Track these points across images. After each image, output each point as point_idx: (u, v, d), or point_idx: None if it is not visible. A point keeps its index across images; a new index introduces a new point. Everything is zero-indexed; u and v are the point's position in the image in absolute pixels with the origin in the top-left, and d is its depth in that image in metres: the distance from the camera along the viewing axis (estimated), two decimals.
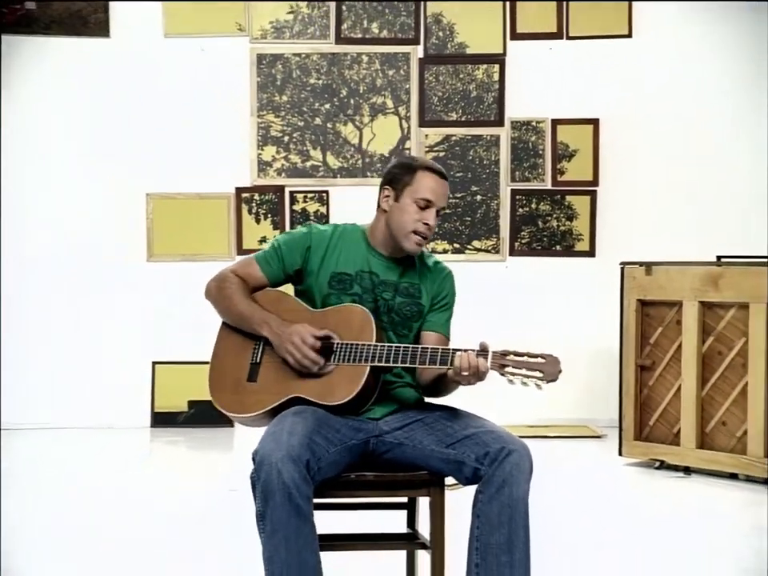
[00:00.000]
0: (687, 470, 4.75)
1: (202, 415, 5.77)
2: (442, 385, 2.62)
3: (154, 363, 5.93)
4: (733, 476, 4.62)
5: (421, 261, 2.76)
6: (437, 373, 2.60)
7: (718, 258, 4.78)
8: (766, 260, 4.61)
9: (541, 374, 2.39)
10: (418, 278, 2.72)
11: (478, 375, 2.38)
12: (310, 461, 2.31)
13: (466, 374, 2.38)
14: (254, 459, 2.32)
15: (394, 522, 2.92)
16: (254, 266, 2.68)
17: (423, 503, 2.70)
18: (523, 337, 5.75)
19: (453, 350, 2.47)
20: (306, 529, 2.30)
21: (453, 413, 2.59)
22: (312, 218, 6.00)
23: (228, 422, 5.53)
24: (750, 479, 4.56)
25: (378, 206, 2.68)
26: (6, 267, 5.86)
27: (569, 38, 5.99)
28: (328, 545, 2.72)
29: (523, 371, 2.40)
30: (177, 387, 5.86)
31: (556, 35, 6.00)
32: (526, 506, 2.38)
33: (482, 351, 2.40)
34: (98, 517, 4.03)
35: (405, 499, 2.82)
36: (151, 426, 5.89)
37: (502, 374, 2.41)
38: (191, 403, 5.85)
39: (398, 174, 2.66)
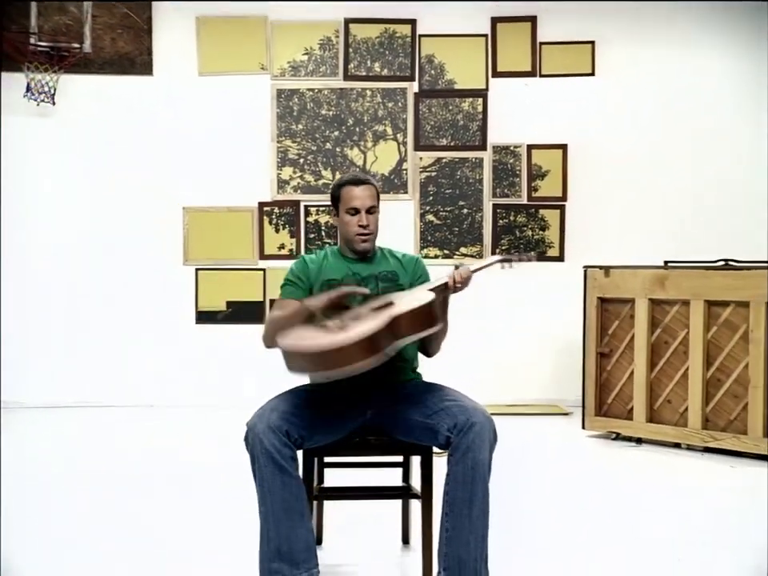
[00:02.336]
0: (639, 441, 4.79)
1: (238, 314, 5.94)
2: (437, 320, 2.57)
3: (197, 270, 5.95)
4: (676, 445, 4.67)
5: (391, 255, 2.88)
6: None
7: (665, 262, 4.76)
8: (703, 264, 4.59)
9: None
10: (392, 266, 2.84)
11: (465, 282, 2.57)
12: (290, 430, 2.43)
13: (459, 285, 2.57)
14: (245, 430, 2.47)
15: (391, 477, 3.06)
16: (286, 302, 2.76)
17: (415, 463, 2.79)
18: (502, 328, 5.98)
19: (444, 279, 2.61)
20: (291, 482, 2.42)
21: (434, 388, 2.67)
22: (323, 228, 5.99)
23: (258, 319, 5.74)
24: (690, 447, 4.63)
25: (333, 224, 2.86)
26: (69, 269, 5.87)
27: (541, 75, 5.98)
28: (339, 495, 2.95)
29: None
30: (216, 290, 5.96)
31: (530, 73, 5.98)
32: (485, 468, 2.45)
33: (458, 266, 2.60)
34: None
35: (401, 459, 2.97)
36: (195, 323, 5.96)
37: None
38: (229, 303, 5.98)
39: (333, 197, 2.84)
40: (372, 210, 2.79)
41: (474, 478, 2.43)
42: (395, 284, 2.80)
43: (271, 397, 2.65)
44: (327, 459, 2.94)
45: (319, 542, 3.01)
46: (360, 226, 2.76)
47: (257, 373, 5.34)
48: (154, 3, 5.88)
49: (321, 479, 2.98)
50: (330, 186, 2.88)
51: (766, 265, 4.40)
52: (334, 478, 3.01)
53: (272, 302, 5.90)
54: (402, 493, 2.98)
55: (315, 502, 2.85)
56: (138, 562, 2.93)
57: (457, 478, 2.45)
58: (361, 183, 2.79)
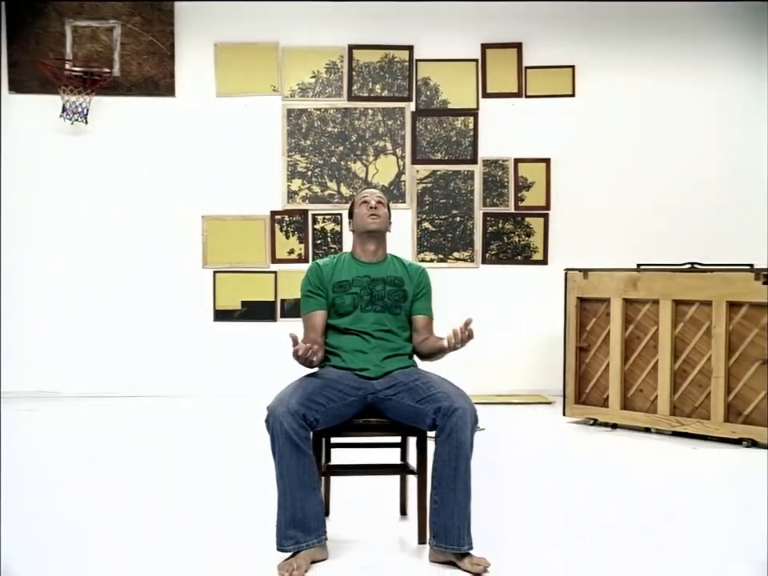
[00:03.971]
0: (614, 426, 4.82)
1: (252, 312, 5.98)
2: (437, 353, 2.81)
3: (215, 272, 5.95)
4: (647, 430, 4.69)
5: (400, 263, 2.97)
6: (434, 345, 2.80)
7: (638, 265, 4.77)
8: (671, 267, 4.63)
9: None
10: (398, 272, 2.92)
11: (463, 342, 2.63)
12: (306, 414, 2.53)
13: (459, 345, 2.63)
14: (266, 413, 2.56)
15: (390, 456, 3.12)
16: (310, 317, 2.84)
17: (411, 442, 2.89)
18: (491, 325, 5.92)
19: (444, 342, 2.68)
20: (304, 459, 2.52)
21: (423, 377, 2.75)
22: (329, 234, 5.98)
23: (270, 318, 5.84)
24: (659, 432, 4.66)
25: (352, 232, 3.00)
26: (99, 273, 5.88)
27: (526, 96, 6.00)
28: (344, 472, 3.00)
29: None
30: (232, 291, 5.98)
31: (517, 94, 6.00)
32: (467, 447, 2.55)
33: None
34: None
35: (398, 439, 3.03)
36: (213, 321, 5.97)
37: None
38: (243, 303, 6.00)
39: (350, 210, 3.03)
40: (380, 202, 2.93)
41: (457, 456, 2.54)
42: (400, 288, 2.89)
43: (284, 385, 2.72)
44: (334, 440, 2.99)
45: (327, 513, 3.05)
46: (370, 208, 2.89)
47: (268, 365, 5.40)
48: (176, 31, 5.89)
49: (328, 458, 3.03)
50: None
51: (726, 268, 4.46)
52: (339, 456, 3.08)
53: (283, 302, 6.02)
54: (400, 469, 3.03)
55: (323, 478, 2.90)
56: (156, 551, 2.80)
57: (443, 457, 2.57)
58: (372, 188, 3.00)
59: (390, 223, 3.02)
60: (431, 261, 6.02)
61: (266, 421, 2.56)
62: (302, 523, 2.54)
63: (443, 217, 6.09)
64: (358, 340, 2.83)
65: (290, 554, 2.57)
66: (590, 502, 3.36)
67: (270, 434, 2.55)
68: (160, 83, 5.92)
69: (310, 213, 6.03)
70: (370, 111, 6.08)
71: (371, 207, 2.90)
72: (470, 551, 2.58)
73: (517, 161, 6.05)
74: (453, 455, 2.55)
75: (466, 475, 2.57)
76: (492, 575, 2.54)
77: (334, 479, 3.13)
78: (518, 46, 6.02)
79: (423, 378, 2.75)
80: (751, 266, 4.38)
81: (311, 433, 2.59)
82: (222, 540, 2.86)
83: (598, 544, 2.84)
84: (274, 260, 6.01)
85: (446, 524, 2.56)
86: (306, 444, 2.54)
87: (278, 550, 2.56)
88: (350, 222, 3.03)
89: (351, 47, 6.04)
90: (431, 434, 2.67)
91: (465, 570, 2.56)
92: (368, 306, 2.85)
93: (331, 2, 5.93)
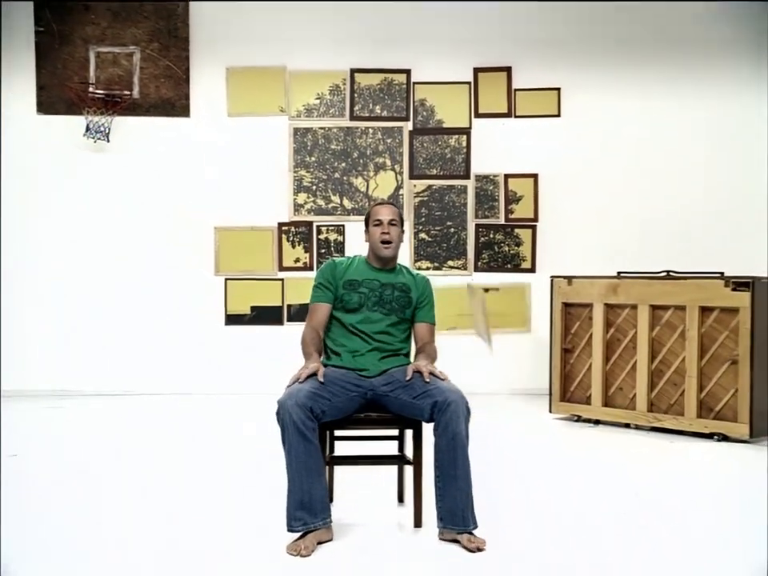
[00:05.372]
0: (596, 422, 4.84)
1: (261, 316, 5.99)
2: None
3: (226, 279, 5.96)
4: (627, 425, 4.73)
5: (408, 272, 3.04)
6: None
7: (618, 273, 4.81)
8: (648, 275, 4.67)
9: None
10: (407, 280, 3.00)
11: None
12: (313, 407, 2.60)
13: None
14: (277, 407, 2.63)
15: (388, 448, 3.14)
16: (316, 307, 2.91)
17: (408, 435, 2.94)
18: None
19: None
20: (311, 447, 2.60)
21: (424, 376, 2.76)
22: (332, 244, 5.99)
23: (278, 321, 5.85)
24: (638, 427, 4.70)
25: (366, 240, 3.03)
26: (118, 280, 5.90)
27: (516, 116, 6.04)
28: (346, 462, 3.01)
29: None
30: (242, 297, 5.98)
31: (507, 114, 6.04)
32: (463, 437, 2.62)
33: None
34: None
35: (396, 432, 3.07)
36: (225, 324, 5.97)
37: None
38: (253, 308, 6.02)
39: (366, 220, 3.05)
40: (393, 223, 2.94)
41: (454, 446, 2.62)
42: (407, 295, 2.96)
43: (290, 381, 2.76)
44: (337, 433, 3.03)
45: (331, 499, 3.05)
46: (383, 233, 2.92)
47: (275, 365, 5.35)
48: (191, 56, 5.93)
49: (332, 449, 3.07)
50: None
51: (698, 275, 4.52)
52: (342, 448, 3.12)
53: (289, 307, 6.09)
54: (398, 460, 3.06)
55: (327, 468, 2.94)
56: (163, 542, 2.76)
57: (441, 448, 2.64)
58: (385, 204, 3.02)
59: (402, 240, 3.04)
60: (427, 269, 6.03)
61: (277, 413, 2.62)
62: (308, 506, 2.61)
63: (438, 228, 6.12)
64: (358, 341, 2.89)
65: (298, 534, 2.64)
66: (574, 490, 3.41)
67: (280, 425, 2.62)
68: (176, 104, 5.97)
69: (314, 224, 6.06)
70: (371, 130, 6.12)
71: (384, 233, 2.91)
72: (474, 530, 2.65)
73: (507, 176, 6.09)
74: (450, 446, 2.62)
75: (464, 463, 2.63)
76: (488, 558, 2.58)
77: (337, 469, 3.17)
78: (508, 70, 6.08)
79: (417, 376, 2.80)
80: (722, 273, 4.44)
81: (317, 424, 2.65)
82: (234, 525, 2.87)
83: (584, 526, 2.91)
84: (281, 268, 6.04)
85: (450, 508, 2.64)
86: (312, 434, 2.60)
87: (288, 530, 2.64)
88: (365, 231, 3.05)
89: (353, 71, 6.09)
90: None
91: (462, 547, 2.63)
92: (375, 306, 2.91)
93: (334, 28, 6.01)
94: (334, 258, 3.04)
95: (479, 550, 2.62)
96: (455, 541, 2.67)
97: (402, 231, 3.04)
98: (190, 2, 5.93)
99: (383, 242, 2.92)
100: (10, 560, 2.51)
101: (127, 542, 2.71)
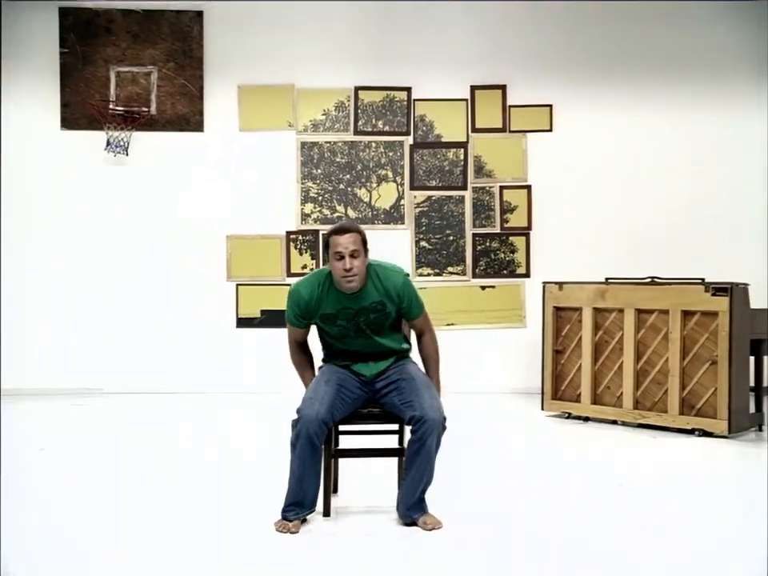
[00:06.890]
0: (586, 419, 4.88)
1: (270, 320, 5.93)
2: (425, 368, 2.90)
3: (237, 285, 5.93)
4: (614, 422, 4.76)
5: (378, 279, 2.71)
6: (425, 364, 2.90)
7: (606, 279, 4.86)
8: (634, 280, 4.72)
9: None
10: (378, 296, 2.73)
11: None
12: (327, 420, 2.70)
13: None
14: (297, 414, 2.69)
15: (389, 442, 3.19)
16: (293, 330, 2.82)
17: (407, 430, 2.92)
18: (479, 330, 6.02)
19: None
20: (316, 454, 2.73)
21: (411, 378, 2.81)
22: None
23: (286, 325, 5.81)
24: (625, 423, 4.72)
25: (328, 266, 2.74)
26: (135, 286, 5.91)
27: (510, 131, 6.08)
28: (350, 455, 3.07)
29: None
30: (252, 301, 5.97)
31: (502, 129, 6.07)
32: (431, 453, 2.71)
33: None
34: None
35: (396, 427, 3.09)
36: (236, 327, 5.94)
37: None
38: (263, 311, 6.01)
39: (324, 245, 2.73)
40: (355, 254, 2.60)
41: (419, 454, 2.72)
42: (383, 311, 2.75)
43: (297, 383, 2.94)
44: (342, 428, 3.09)
45: (335, 490, 3.13)
46: (344, 269, 2.60)
47: (284, 366, 5.45)
48: (205, 75, 5.96)
49: (337, 443, 3.12)
50: (323, 235, 2.93)
51: (681, 281, 4.57)
52: (346, 442, 3.19)
53: None
54: (397, 453, 3.07)
55: (332, 460, 2.98)
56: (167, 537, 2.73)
57: (411, 450, 2.74)
58: (345, 232, 2.60)
59: (367, 258, 2.70)
60: (428, 275, 6.02)
61: (295, 421, 2.71)
62: (302, 501, 2.78)
63: (438, 236, 6.14)
64: (351, 354, 2.90)
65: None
66: (565, 481, 3.48)
67: (294, 432, 2.71)
68: (190, 120, 6.00)
69: (320, 233, 6.02)
70: (374, 144, 6.14)
71: (346, 270, 2.57)
72: (422, 516, 2.76)
73: (502, 187, 6.12)
74: (415, 453, 2.72)
75: (423, 467, 2.73)
76: (484, 544, 2.66)
77: (341, 461, 3.21)
78: (503, 88, 6.12)
79: (409, 379, 2.82)
80: (702, 279, 4.50)
81: (326, 433, 2.76)
82: (233, 525, 2.83)
83: (574, 513, 2.98)
84: (289, 274, 6.04)
85: (402, 499, 2.79)
86: (321, 440, 2.73)
87: (281, 518, 2.79)
88: (325, 257, 2.74)
89: (357, 88, 6.11)
90: None
91: (419, 527, 2.77)
92: (357, 334, 2.78)
93: (340, 49, 6.06)
94: (299, 287, 2.73)
95: (433, 529, 2.73)
96: (413, 523, 2.80)
97: (367, 251, 2.69)
98: (204, 25, 5.98)
99: (345, 277, 2.62)
100: (10, 560, 2.43)
101: (127, 542, 2.64)
